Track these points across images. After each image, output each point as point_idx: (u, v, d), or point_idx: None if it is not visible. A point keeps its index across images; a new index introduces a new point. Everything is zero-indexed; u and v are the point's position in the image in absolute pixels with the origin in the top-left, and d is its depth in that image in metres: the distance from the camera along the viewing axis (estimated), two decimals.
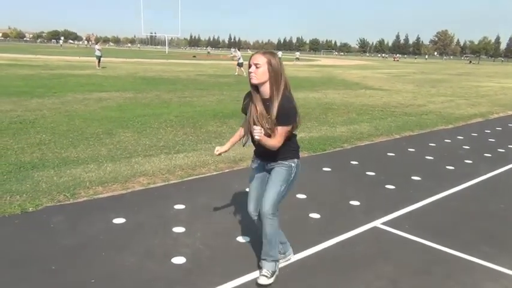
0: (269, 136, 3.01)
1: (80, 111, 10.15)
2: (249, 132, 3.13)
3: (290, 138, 3.13)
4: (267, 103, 2.99)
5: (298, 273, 3.34)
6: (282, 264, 3.43)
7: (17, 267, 3.26)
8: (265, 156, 3.20)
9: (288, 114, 2.96)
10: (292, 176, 3.18)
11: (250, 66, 2.97)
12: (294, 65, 43.36)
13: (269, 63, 2.92)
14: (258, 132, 2.85)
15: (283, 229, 3.87)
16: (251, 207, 3.29)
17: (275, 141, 2.97)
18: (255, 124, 3.00)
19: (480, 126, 10.87)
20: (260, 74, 2.93)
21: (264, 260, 3.22)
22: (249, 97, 3.14)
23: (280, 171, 3.15)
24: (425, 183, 5.75)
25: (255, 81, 2.96)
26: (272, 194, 3.08)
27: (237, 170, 6.00)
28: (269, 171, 3.24)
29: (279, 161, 3.16)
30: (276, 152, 3.08)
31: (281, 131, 2.97)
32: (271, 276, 3.16)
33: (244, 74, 25.38)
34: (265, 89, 2.98)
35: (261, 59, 2.93)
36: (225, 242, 3.82)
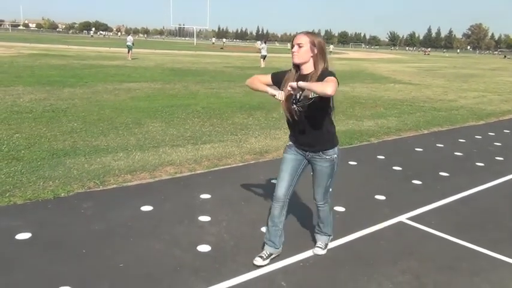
0: (305, 116, 3.02)
1: (110, 101, 10.37)
2: (288, 112, 3.09)
3: (328, 121, 3.12)
4: (306, 79, 2.96)
5: (321, 266, 3.36)
6: (285, 263, 3.46)
7: (50, 250, 3.40)
8: (304, 145, 3.19)
9: (328, 74, 2.90)
10: (336, 168, 3.24)
11: (293, 46, 3.00)
12: None
13: (312, 43, 2.95)
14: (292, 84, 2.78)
15: (308, 220, 3.90)
16: (280, 192, 3.22)
17: (327, 85, 2.70)
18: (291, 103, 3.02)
19: None
20: (302, 53, 2.96)
21: (317, 233, 3.56)
22: (286, 73, 3.16)
23: (323, 171, 3.21)
24: (453, 179, 5.65)
25: (297, 60, 2.99)
26: (321, 190, 3.29)
27: (262, 162, 6.03)
28: (309, 161, 3.25)
29: (320, 152, 3.15)
30: (316, 142, 3.11)
31: (330, 79, 2.79)
32: (325, 248, 3.52)
33: (262, 65, 25.35)
34: (307, 68, 3.01)
35: (303, 39, 2.96)
36: (250, 231, 3.87)
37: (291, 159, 3.25)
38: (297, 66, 3.05)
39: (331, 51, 61.20)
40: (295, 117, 3.06)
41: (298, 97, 2.96)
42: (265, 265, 3.27)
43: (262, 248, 3.39)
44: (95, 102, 10.08)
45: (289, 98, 3.01)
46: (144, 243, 3.57)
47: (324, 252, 3.50)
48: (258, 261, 3.28)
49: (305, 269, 3.30)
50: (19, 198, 4.31)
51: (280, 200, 3.24)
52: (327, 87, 2.67)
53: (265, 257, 3.31)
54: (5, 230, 3.66)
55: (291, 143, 3.30)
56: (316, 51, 2.97)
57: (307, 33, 3.01)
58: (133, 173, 5.24)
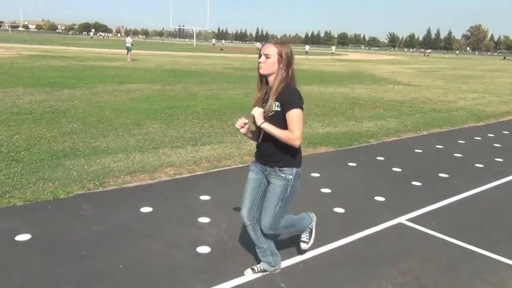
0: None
1: (109, 102, 10.37)
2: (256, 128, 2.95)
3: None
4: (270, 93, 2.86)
5: (321, 267, 3.37)
6: (285, 264, 3.47)
7: (50, 251, 3.40)
8: (264, 158, 3.02)
9: (291, 94, 2.77)
10: (289, 190, 2.96)
11: (260, 56, 2.85)
12: (321, 60, 42.99)
13: (279, 54, 2.81)
14: (257, 113, 2.74)
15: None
16: (244, 212, 3.11)
17: (290, 132, 2.69)
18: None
19: None
20: (269, 64, 2.81)
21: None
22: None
23: (274, 190, 2.97)
24: (453, 180, 5.65)
25: (263, 71, 2.85)
26: (268, 216, 2.98)
27: None
28: (267, 177, 3.05)
29: (277, 168, 2.94)
30: (274, 155, 2.92)
31: (291, 115, 2.71)
32: (310, 238, 3.34)
33: None
34: (272, 80, 2.86)
35: (271, 50, 2.81)
36: None
37: (253, 179, 3.12)
38: (263, 77, 2.90)
39: (333, 53, 61.80)
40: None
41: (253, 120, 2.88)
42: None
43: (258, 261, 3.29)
44: (94, 104, 10.08)
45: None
46: (143, 244, 3.57)
47: (310, 244, 3.32)
48: (248, 272, 3.19)
49: (304, 271, 3.30)
50: (19, 199, 4.31)
51: (247, 222, 3.10)
52: (293, 140, 2.69)
53: (257, 271, 3.21)
54: (5, 232, 3.66)
55: (254, 158, 3.16)
56: (282, 63, 2.82)
57: (276, 43, 2.86)
58: (133, 174, 5.24)
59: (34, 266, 3.18)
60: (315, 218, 3.40)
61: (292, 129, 2.73)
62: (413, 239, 3.92)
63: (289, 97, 2.77)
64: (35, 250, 3.40)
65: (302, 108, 2.77)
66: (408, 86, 18.70)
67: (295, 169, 2.97)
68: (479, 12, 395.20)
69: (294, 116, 2.73)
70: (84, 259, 3.30)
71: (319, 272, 3.29)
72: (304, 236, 3.35)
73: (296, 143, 2.70)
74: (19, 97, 10.44)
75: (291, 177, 2.95)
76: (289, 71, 2.85)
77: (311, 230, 3.34)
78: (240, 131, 2.95)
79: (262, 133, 2.92)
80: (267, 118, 2.81)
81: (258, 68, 2.88)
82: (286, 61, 2.83)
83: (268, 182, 3.05)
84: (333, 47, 71.35)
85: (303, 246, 3.34)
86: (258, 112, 2.79)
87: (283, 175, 2.94)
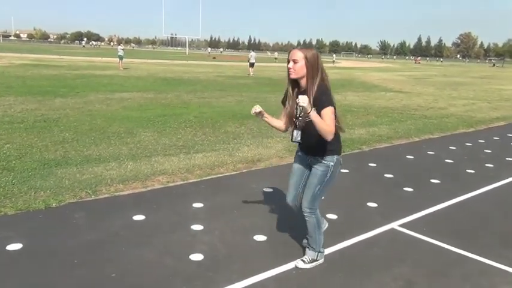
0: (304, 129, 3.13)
1: (102, 111, 10.35)
2: (292, 125, 3.24)
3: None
4: (305, 95, 3.05)
5: (314, 273, 3.37)
6: (278, 270, 3.48)
7: (41, 261, 3.37)
8: (306, 150, 3.33)
9: (323, 94, 3.03)
10: (329, 175, 3.26)
11: (288, 62, 3.10)
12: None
13: (305, 58, 3.04)
14: (306, 100, 2.87)
15: (300, 228, 3.90)
16: (289, 199, 3.52)
17: (326, 125, 2.94)
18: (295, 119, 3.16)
19: (502, 130, 10.68)
20: (298, 69, 3.06)
21: (306, 247, 3.53)
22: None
23: (316, 173, 3.28)
24: (444, 186, 5.70)
25: (293, 76, 3.10)
26: (308, 195, 3.32)
27: (254, 170, 6.05)
28: (309, 166, 3.37)
29: (318, 157, 3.25)
30: (316, 146, 3.18)
31: (326, 112, 2.98)
32: (310, 262, 3.44)
33: (251, 73, 26.44)
34: (304, 82, 3.12)
35: (298, 55, 3.05)
36: (243, 240, 3.87)
37: (297, 168, 3.47)
38: (295, 82, 3.16)
39: (334, 61, 62.78)
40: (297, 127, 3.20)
41: (299, 113, 3.08)
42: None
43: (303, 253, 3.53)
44: (86, 112, 10.05)
45: (292, 111, 3.17)
46: (136, 252, 3.56)
47: (306, 266, 3.41)
48: (299, 263, 3.43)
49: (297, 276, 3.30)
50: (10, 208, 4.28)
51: (290, 204, 3.53)
52: (327, 134, 2.93)
53: (307, 261, 3.45)
54: None
55: (298, 148, 3.47)
56: (309, 66, 3.06)
57: (301, 48, 3.10)
58: (126, 182, 5.23)
59: (25, 275, 3.15)
60: (323, 254, 3.55)
61: (326, 121, 2.97)
62: (405, 244, 3.94)
63: (321, 98, 3.02)
64: (27, 259, 3.38)
65: (334, 106, 3.04)
66: (400, 93, 18.85)
67: (335, 157, 3.27)
68: (469, 21, 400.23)
69: (328, 113, 2.98)
70: (76, 268, 3.28)
71: (312, 277, 3.30)
72: (307, 258, 3.46)
73: (329, 136, 2.94)
74: (10, 106, 10.39)
75: (332, 164, 3.25)
76: (319, 72, 3.09)
77: (315, 260, 3.46)
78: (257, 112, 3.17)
79: (299, 127, 3.14)
80: (304, 123, 3.09)
81: (288, 74, 3.12)
82: (313, 64, 3.06)
83: (311, 168, 3.35)
84: (334, 55, 72.70)
85: (300, 264, 3.42)
86: (307, 100, 2.88)
87: (325, 162, 3.25)
